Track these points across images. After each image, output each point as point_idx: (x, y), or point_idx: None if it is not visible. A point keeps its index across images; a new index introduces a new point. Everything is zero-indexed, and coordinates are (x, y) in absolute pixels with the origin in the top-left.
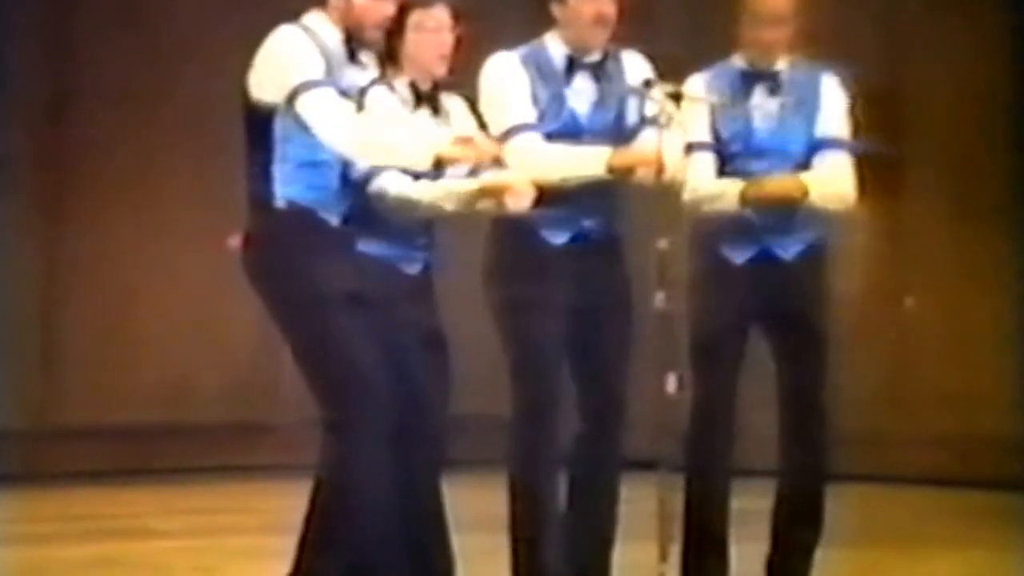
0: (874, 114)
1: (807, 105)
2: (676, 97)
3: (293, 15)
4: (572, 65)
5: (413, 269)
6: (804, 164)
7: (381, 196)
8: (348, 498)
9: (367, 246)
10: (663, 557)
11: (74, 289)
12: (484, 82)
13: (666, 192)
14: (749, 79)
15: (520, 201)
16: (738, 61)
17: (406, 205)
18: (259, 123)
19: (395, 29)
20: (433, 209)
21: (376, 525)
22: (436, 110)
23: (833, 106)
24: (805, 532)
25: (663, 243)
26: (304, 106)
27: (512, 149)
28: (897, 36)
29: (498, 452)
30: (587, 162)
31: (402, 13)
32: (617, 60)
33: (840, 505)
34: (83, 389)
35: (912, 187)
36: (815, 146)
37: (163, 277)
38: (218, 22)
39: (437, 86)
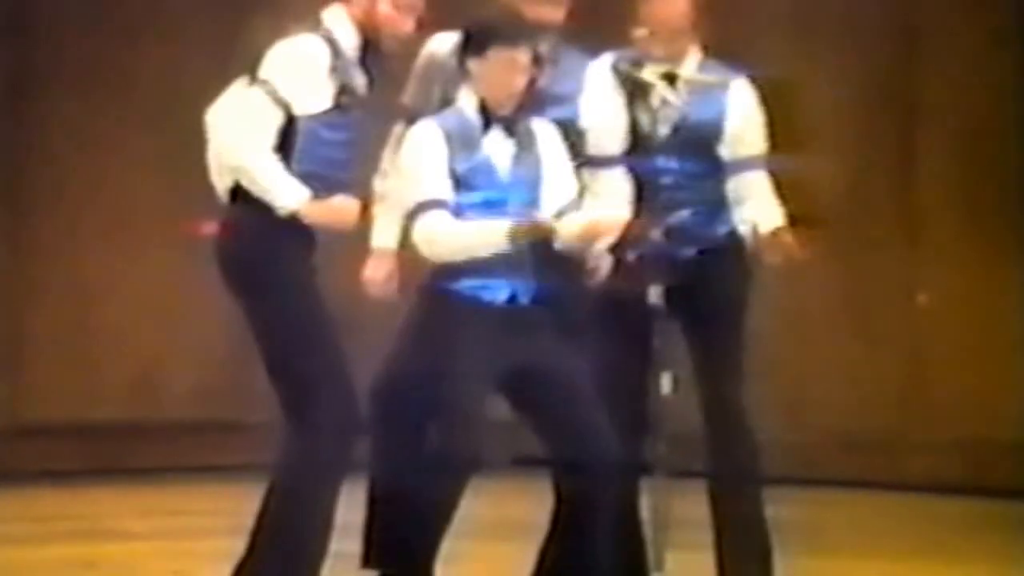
0: (888, 110)
1: (711, 110)
2: (670, 78)
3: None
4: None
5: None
6: (712, 179)
7: (429, 237)
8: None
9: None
10: (659, 565)
11: (39, 282)
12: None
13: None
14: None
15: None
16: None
17: (455, 244)
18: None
19: (471, 54)
20: (481, 247)
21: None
22: (511, 132)
23: (743, 116)
24: (747, 539)
25: (656, 234)
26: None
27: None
28: (910, 32)
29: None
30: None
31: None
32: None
33: (851, 513)
34: (50, 386)
35: (926, 183)
36: (728, 167)
37: (131, 270)
38: (189, 2)
39: (520, 107)
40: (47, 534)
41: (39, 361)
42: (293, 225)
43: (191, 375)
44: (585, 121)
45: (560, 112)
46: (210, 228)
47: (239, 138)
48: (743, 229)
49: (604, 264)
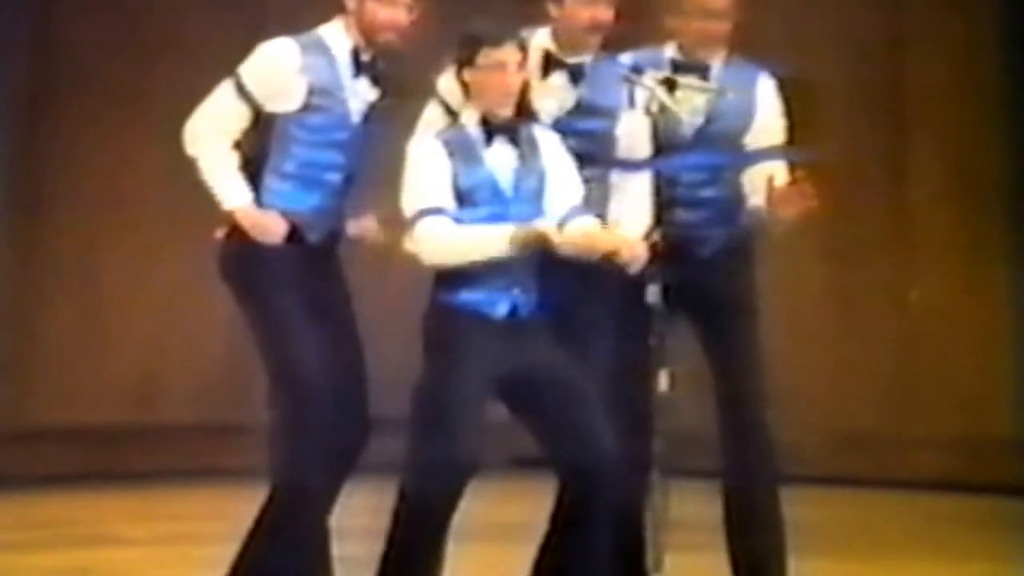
0: (877, 105)
1: (740, 107)
2: (670, 84)
3: (271, 10)
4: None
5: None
6: (728, 177)
7: (428, 240)
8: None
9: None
10: (657, 566)
11: (47, 288)
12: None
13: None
14: (679, 69)
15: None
16: (668, 50)
17: (454, 248)
18: (260, 129)
19: (464, 64)
20: (480, 252)
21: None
22: (514, 142)
23: (769, 112)
24: (762, 537)
25: (655, 234)
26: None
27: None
28: (898, 27)
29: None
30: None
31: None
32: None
33: (845, 511)
34: (50, 390)
35: (917, 178)
36: (750, 157)
37: (135, 275)
38: (200, 16)
39: (520, 114)
40: (42, 540)
41: (44, 364)
42: (291, 229)
43: (191, 379)
44: (620, 130)
45: (598, 124)
46: (221, 234)
47: (196, 127)
48: (755, 203)
49: (640, 251)
